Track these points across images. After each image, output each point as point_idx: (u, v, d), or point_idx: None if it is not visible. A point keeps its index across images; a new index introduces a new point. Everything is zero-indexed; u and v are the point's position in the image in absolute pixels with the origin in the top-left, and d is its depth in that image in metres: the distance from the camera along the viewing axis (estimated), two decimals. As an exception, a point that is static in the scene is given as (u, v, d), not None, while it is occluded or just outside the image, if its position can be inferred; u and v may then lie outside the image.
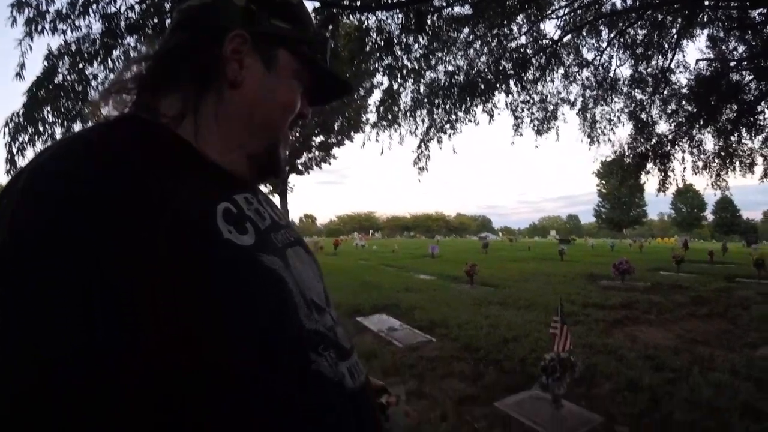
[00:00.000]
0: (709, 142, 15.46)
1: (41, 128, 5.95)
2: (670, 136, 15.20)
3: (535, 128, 13.19)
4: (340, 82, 0.99)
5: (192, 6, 0.81)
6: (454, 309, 9.90)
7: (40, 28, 5.59)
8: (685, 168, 15.74)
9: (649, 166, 16.06)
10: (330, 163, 40.95)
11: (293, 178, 46.46)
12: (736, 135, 14.79)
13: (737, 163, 15.81)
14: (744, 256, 26.01)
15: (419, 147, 12.02)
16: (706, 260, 21.98)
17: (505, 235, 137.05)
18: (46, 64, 5.84)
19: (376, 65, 9.75)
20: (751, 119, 14.16)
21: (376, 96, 12.19)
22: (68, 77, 6.07)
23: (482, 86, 11.02)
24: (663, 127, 16.12)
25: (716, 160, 15.87)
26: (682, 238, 53.12)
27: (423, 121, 11.82)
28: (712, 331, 7.93)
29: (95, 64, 6.11)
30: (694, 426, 4.18)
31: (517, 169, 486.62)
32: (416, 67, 10.25)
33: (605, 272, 16.65)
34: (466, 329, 7.86)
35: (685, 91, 13.58)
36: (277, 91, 0.83)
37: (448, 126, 11.84)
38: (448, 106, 11.49)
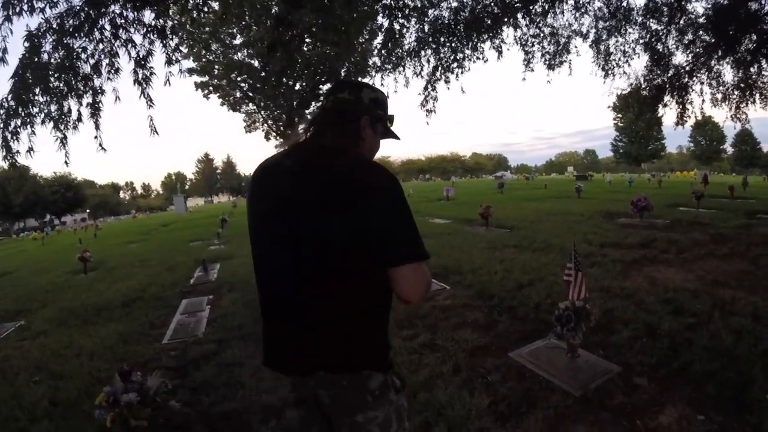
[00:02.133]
0: (728, 74, 15.01)
1: (34, 110, 5.77)
2: (687, 68, 14.69)
3: (547, 63, 12.73)
4: (394, 136, 1.92)
5: (343, 98, 1.72)
6: (468, 254, 9.81)
7: (18, 9, 5.37)
8: (703, 100, 15.29)
9: (667, 98, 15.63)
10: None
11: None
12: (756, 66, 14.33)
13: (757, 94, 15.31)
14: (765, 191, 25.54)
15: (425, 89, 11.73)
16: (726, 195, 21.51)
17: (522, 173, 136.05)
18: (27, 44, 5.60)
19: (375, 6, 9.43)
20: None
21: (381, 38, 11.89)
22: (55, 54, 5.85)
23: (489, 21, 10.60)
24: (680, 58, 15.61)
25: (735, 92, 15.37)
26: (702, 173, 52.05)
27: (428, 61, 11.44)
28: (733, 272, 7.73)
29: (81, 37, 5.89)
30: (714, 377, 4.04)
31: (531, 105, 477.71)
32: (418, 5, 9.84)
33: (623, 209, 16.43)
34: (480, 275, 7.77)
35: (702, 20, 12.99)
36: (375, 144, 1.81)
37: (455, 65, 11.46)
38: (453, 44, 11.11)
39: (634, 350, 4.68)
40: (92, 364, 5.43)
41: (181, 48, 6.78)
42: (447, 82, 11.62)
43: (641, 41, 13.52)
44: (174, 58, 6.62)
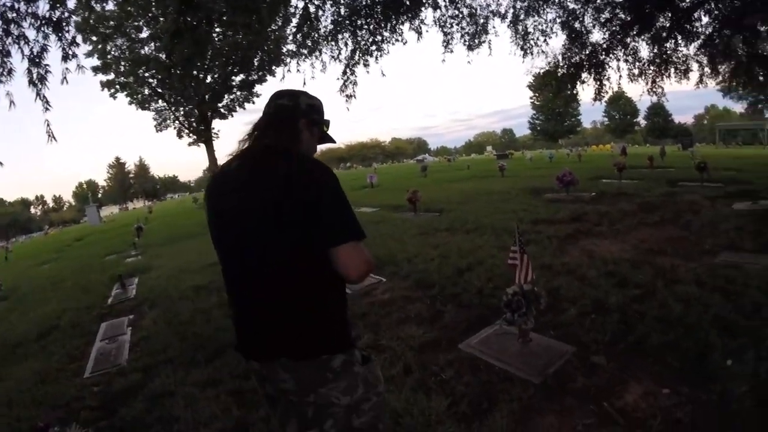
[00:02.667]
0: (644, 50, 15.67)
1: None
2: (604, 45, 15.20)
3: (466, 43, 12.90)
4: (330, 139, 2.13)
5: (282, 104, 1.98)
6: (400, 242, 9.58)
7: None
8: (620, 76, 16.03)
9: (584, 75, 16.19)
10: (254, 103, 40.59)
11: (217, 124, 45.21)
12: (671, 42, 14.95)
13: (672, 69, 16.05)
14: (682, 160, 26.71)
15: (344, 73, 11.48)
16: (646, 166, 22.33)
17: (443, 155, 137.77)
18: None
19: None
20: (687, 26, 14.27)
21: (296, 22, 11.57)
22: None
23: (407, 2, 10.44)
24: (597, 36, 16.23)
25: (651, 67, 16.06)
26: (620, 145, 54.18)
27: (346, 44, 11.25)
28: (667, 239, 7.88)
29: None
30: (673, 348, 3.98)
31: (448, 87, 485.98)
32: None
33: (548, 185, 16.69)
34: (416, 263, 7.55)
35: (618, -1, 13.48)
36: (312, 145, 2.04)
37: (373, 48, 11.32)
38: (372, 27, 10.93)
39: (586, 328, 4.58)
40: (11, 413, 4.69)
41: (77, 41, 6.17)
42: (366, 65, 11.43)
43: (559, 20, 13.92)
44: (71, 52, 6.06)
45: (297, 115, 1.96)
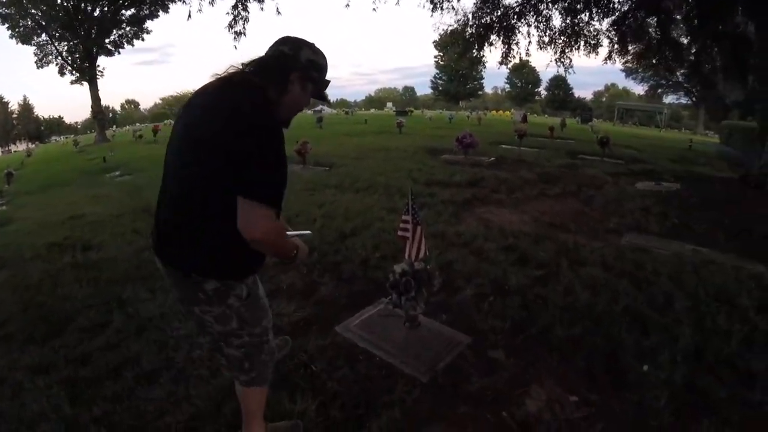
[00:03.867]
0: (557, 19, 15.93)
1: None
2: (517, 9, 15.34)
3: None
4: (325, 99, 2.19)
5: (283, 51, 1.96)
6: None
7: None
8: (530, 42, 16.21)
9: (493, 38, 16.42)
10: (143, 39, 40.24)
11: (103, 61, 43.10)
12: (585, 14, 15.17)
13: (582, 42, 16.49)
14: (581, 133, 27.49)
15: (235, 7, 10.56)
16: (546, 135, 22.57)
17: (341, 107, 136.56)
18: None
19: None
20: (603, 1, 14.58)
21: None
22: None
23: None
24: (510, -1, 16.17)
25: (562, 37, 16.44)
26: (520, 112, 55.47)
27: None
28: (568, 213, 7.70)
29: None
30: (578, 344, 3.56)
31: (352, 39, 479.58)
32: None
33: (446, 145, 16.39)
34: (296, 224, 6.76)
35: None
36: (302, 100, 2.03)
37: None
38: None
39: (483, 312, 4.09)
40: None
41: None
42: (260, 0, 10.52)
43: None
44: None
45: (293, 66, 1.97)
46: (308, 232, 2.55)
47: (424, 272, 3.58)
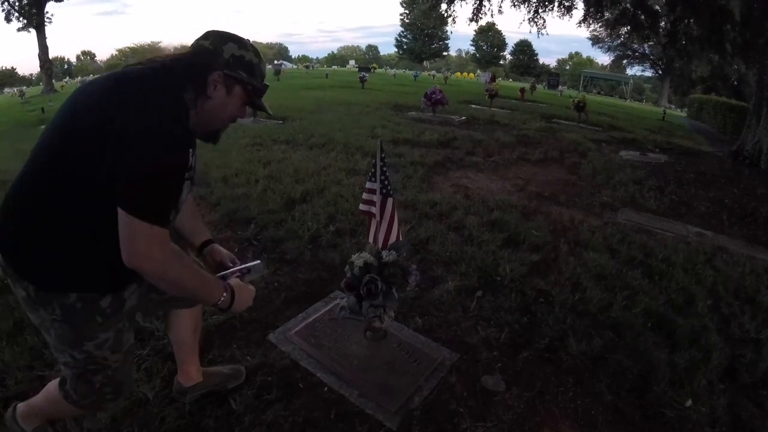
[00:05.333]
0: None
1: None
2: None
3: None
4: (262, 108, 1.72)
5: (203, 46, 1.55)
6: (223, 153, 7.02)
7: None
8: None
9: None
10: None
11: (51, 7, 40.85)
12: None
13: (557, 2, 16.15)
14: (551, 97, 27.16)
15: None
16: (517, 97, 22.24)
17: (303, 62, 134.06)
18: None
19: None
20: None
21: None
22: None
23: None
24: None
25: None
26: (488, 73, 54.59)
27: None
28: (556, 183, 6.87)
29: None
30: (601, 365, 2.66)
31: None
32: None
33: (413, 103, 15.59)
34: (235, 186, 5.52)
35: None
36: (228, 106, 1.60)
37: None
38: None
39: (471, 316, 3.13)
40: None
41: None
42: None
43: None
44: None
45: (212, 64, 1.53)
46: (258, 262, 1.93)
47: (395, 267, 2.50)
